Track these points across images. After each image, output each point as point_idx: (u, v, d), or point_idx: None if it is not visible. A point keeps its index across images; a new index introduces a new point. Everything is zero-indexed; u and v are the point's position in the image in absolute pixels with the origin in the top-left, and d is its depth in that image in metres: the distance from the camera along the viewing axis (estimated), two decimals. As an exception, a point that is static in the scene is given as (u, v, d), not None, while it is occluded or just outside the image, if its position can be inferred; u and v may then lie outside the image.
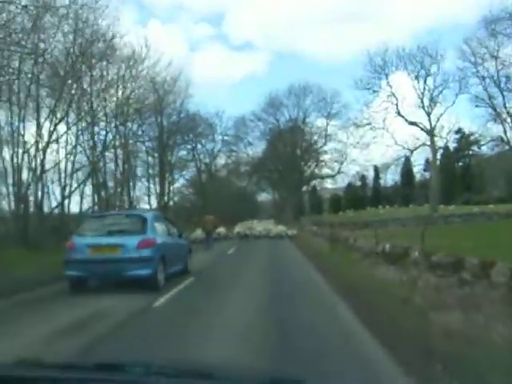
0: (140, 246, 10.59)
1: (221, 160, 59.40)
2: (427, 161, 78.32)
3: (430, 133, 46.23)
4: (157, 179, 38.65)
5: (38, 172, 20.66)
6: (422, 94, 46.09)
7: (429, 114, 46.25)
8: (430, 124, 46.17)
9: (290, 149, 62.63)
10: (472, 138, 69.13)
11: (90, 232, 11.39)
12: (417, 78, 45.85)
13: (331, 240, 24.09)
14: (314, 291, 10.52)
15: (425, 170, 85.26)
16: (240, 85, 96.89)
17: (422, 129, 46.41)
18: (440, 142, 47.38)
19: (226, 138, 56.25)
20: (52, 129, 21.76)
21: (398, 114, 46.97)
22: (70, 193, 24.71)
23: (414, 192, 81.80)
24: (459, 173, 74.47)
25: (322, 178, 65.72)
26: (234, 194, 63.40)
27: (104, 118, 27.21)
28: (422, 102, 46.15)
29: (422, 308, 7.12)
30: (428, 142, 46.77)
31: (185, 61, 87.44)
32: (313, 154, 63.46)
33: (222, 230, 38.85)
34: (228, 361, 5.30)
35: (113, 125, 27.26)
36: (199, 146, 53.00)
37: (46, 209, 22.88)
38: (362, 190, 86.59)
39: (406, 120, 47.06)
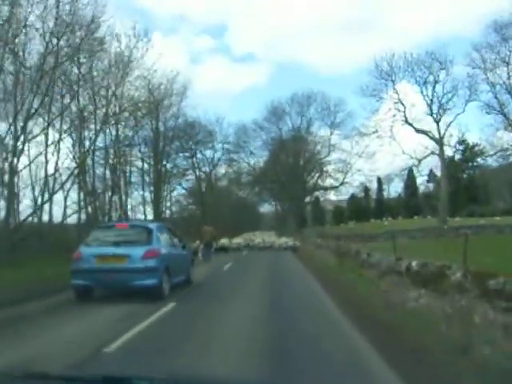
0: (145, 257, 10.67)
1: (221, 169, 56.62)
2: (431, 172, 77.47)
3: (439, 141, 43.65)
4: (152, 187, 35.82)
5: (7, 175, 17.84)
6: (431, 100, 43.61)
7: (438, 122, 43.73)
8: (439, 132, 43.67)
9: (292, 159, 60.09)
10: (477, 148, 67.69)
11: (96, 242, 11.41)
12: (425, 84, 43.42)
13: (338, 253, 21.45)
14: (326, 328, 7.67)
15: (428, 182, 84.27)
16: (241, 96, 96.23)
17: (431, 137, 43.82)
18: (449, 151, 44.67)
19: (226, 146, 53.45)
20: (22, 124, 18.84)
21: (406, 121, 44.42)
22: (42, 202, 21.95)
23: (418, 204, 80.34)
24: (464, 184, 71.68)
25: (326, 188, 63.12)
26: (234, 205, 60.89)
27: (92, 117, 24.52)
28: (431, 109, 43.68)
29: (492, 362, 4.46)
30: (436, 151, 44.11)
31: (186, 72, 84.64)
32: (316, 164, 60.79)
33: (224, 241, 36.52)
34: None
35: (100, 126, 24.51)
36: (199, 155, 50.12)
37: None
38: (366, 202, 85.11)
39: (414, 128, 44.50)
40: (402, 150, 45.34)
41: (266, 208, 76.04)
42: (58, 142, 22.70)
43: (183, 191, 48.74)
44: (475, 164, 73.81)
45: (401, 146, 45.70)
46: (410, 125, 44.42)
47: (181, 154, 43.94)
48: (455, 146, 47.55)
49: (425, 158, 45.22)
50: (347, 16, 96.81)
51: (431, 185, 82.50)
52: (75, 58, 21.67)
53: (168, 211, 44.11)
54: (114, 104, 26.20)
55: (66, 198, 24.53)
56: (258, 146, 60.51)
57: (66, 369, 5.00)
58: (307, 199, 65.07)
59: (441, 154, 44.27)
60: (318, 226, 65.11)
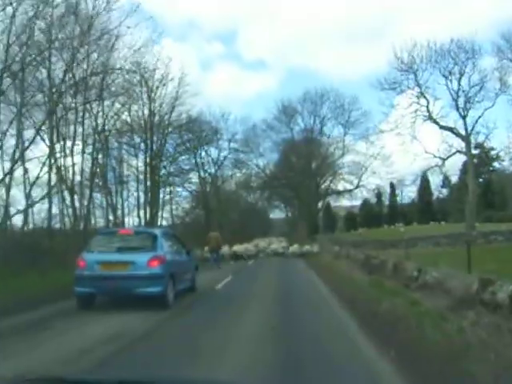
0: (150, 263, 10.26)
1: (227, 171, 50.90)
2: (446, 177, 74.17)
3: (466, 138, 38.34)
4: (143, 187, 30.63)
5: None
6: (457, 94, 38.31)
7: (464, 118, 38.43)
8: (466, 128, 38.37)
9: (304, 161, 54.82)
10: (493, 152, 64.12)
11: (100, 248, 10.93)
12: (450, 75, 38.02)
13: (368, 266, 16.30)
14: None
15: (442, 187, 78.87)
16: (251, 103, 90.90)
17: (457, 134, 38.53)
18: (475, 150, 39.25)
19: (232, 145, 47.66)
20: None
21: (429, 117, 39.12)
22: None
23: (433, 209, 76.44)
24: (480, 189, 68.78)
25: (339, 192, 57.86)
26: (243, 210, 55.86)
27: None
28: (457, 103, 38.38)
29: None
30: (462, 149, 38.82)
31: (196, 79, 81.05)
32: (329, 166, 55.63)
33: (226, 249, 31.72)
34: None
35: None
36: (202, 153, 44.34)
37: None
38: (378, 207, 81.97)
39: (438, 124, 39.21)
40: (424, 149, 40.01)
41: (276, 214, 71.45)
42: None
43: (186, 194, 43.31)
44: (491, 168, 70.45)
45: (422, 145, 40.45)
46: (434, 120, 39.15)
47: (182, 152, 37.95)
48: (485, 143, 42.16)
49: (449, 157, 39.95)
50: (359, 23, 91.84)
51: (445, 190, 79.10)
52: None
53: (168, 216, 38.92)
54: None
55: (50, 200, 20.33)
56: (267, 147, 55.43)
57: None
58: (320, 204, 59.78)
59: (468, 152, 38.97)
60: (329, 232, 60.33)
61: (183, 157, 38.84)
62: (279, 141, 56.41)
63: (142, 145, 30.59)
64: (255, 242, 40.53)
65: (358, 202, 73.25)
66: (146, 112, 29.91)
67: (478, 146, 57.08)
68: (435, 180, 69.07)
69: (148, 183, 30.49)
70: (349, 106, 53.27)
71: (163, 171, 34.55)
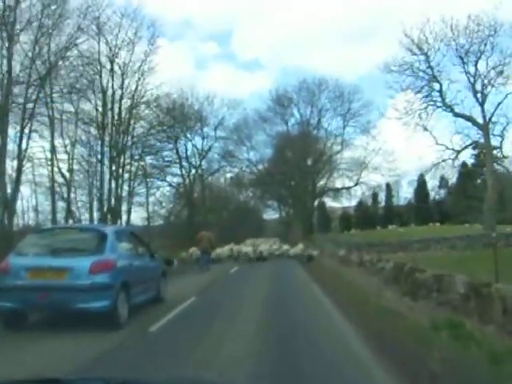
0: (94, 270, 7.80)
1: (215, 164, 43.85)
2: (443, 177, 70.44)
3: (485, 127, 32.27)
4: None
5: None
6: (474, 77, 32.17)
7: (482, 104, 32.33)
8: (484, 116, 32.25)
9: (300, 156, 48.63)
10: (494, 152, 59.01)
11: (31, 250, 8.39)
12: (466, 56, 31.90)
13: (402, 283, 10.28)
14: None
15: (440, 187, 74.83)
16: (246, 103, 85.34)
17: (473, 122, 32.43)
18: (493, 141, 33.08)
19: (220, 133, 40.73)
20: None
21: (443, 102, 33.02)
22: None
23: (430, 210, 71.69)
24: (472, 194, 65.24)
25: (337, 190, 51.69)
26: (234, 209, 49.65)
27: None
28: (474, 87, 32.25)
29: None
30: (479, 140, 32.80)
31: (191, 78, 76.27)
32: (327, 162, 49.58)
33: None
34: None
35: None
36: (188, 146, 37.34)
37: None
38: (374, 208, 77.29)
39: (452, 110, 33.05)
40: (435, 141, 33.91)
41: (270, 214, 65.69)
42: None
43: (168, 190, 36.57)
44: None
45: (433, 135, 34.43)
46: (448, 106, 32.99)
47: (154, 134, 30.79)
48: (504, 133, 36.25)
49: (464, 148, 33.94)
50: (355, 23, 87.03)
51: (443, 191, 75.24)
52: None
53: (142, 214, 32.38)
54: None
55: None
56: (260, 141, 49.28)
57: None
58: (316, 203, 53.65)
59: (487, 143, 32.89)
60: (323, 233, 55.34)
61: (159, 143, 31.98)
62: (273, 134, 50.24)
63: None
64: (247, 242, 34.91)
65: (356, 201, 68.34)
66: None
67: (476, 146, 52.27)
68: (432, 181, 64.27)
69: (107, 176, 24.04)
70: (349, 96, 47.40)
71: (138, 163, 28.10)
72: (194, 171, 38.48)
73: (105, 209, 23.50)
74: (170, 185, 36.34)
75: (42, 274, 7.81)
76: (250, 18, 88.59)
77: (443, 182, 74.73)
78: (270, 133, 50.22)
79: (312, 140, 49.67)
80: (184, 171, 37.09)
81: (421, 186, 70.39)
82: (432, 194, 75.18)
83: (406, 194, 75.77)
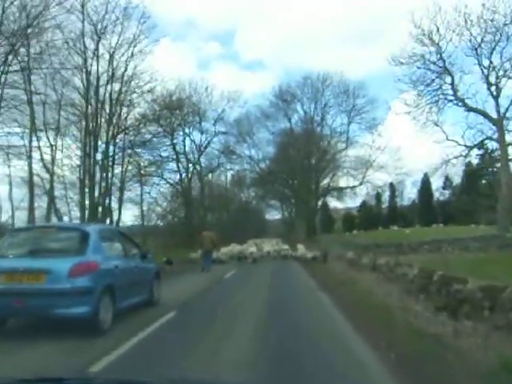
0: (74, 273, 7.05)
1: (215, 161, 41.09)
2: (447, 178, 66.26)
3: (499, 122, 29.93)
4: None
5: None
6: (488, 69, 29.86)
7: (496, 98, 30.03)
8: (498, 111, 29.96)
9: (303, 155, 46.37)
10: (496, 154, 57.21)
11: (6, 251, 7.72)
12: (480, 47, 29.59)
13: (442, 299, 7.86)
14: None
15: (444, 188, 73.67)
16: (248, 103, 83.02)
17: (487, 117, 30.11)
18: (508, 137, 30.75)
19: (219, 128, 38.14)
20: None
21: (455, 96, 30.69)
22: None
23: (434, 211, 69.35)
24: (483, 192, 63.26)
25: (341, 189, 49.34)
26: (235, 210, 47.47)
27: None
28: (487, 80, 29.93)
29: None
30: (492, 135, 30.47)
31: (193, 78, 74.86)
32: (331, 160, 47.25)
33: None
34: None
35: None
36: (187, 141, 34.79)
37: None
38: (377, 209, 75.77)
39: (465, 104, 30.70)
40: (445, 136, 31.59)
41: (272, 214, 63.52)
42: None
43: (166, 188, 34.13)
44: (495, 170, 63.77)
45: (443, 130, 31.99)
46: (461, 100, 30.66)
47: (145, 123, 28.17)
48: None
49: (476, 145, 31.59)
50: (358, 24, 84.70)
51: (447, 192, 73.68)
52: None
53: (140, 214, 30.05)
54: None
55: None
56: (262, 138, 46.93)
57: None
58: (320, 202, 51.33)
59: (501, 139, 30.53)
60: (325, 233, 53.04)
61: (155, 138, 29.53)
62: (276, 132, 47.91)
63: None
64: (248, 243, 32.86)
65: (359, 201, 66.91)
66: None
67: (481, 146, 50.25)
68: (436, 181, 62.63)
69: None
70: (354, 92, 45.00)
71: (133, 159, 25.81)
72: (192, 168, 35.96)
73: (88, 206, 21.18)
74: (167, 182, 34.00)
75: (18, 277, 7.16)
76: (253, 18, 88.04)
77: (447, 182, 73.29)
78: (272, 130, 48.02)
79: (316, 138, 47.41)
80: (182, 167, 34.70)
81: (425, 186, 68.43)
82: (436, 195, 73.67)
83: (409, 194, 73.83)
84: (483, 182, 65.76)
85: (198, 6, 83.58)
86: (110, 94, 22.83)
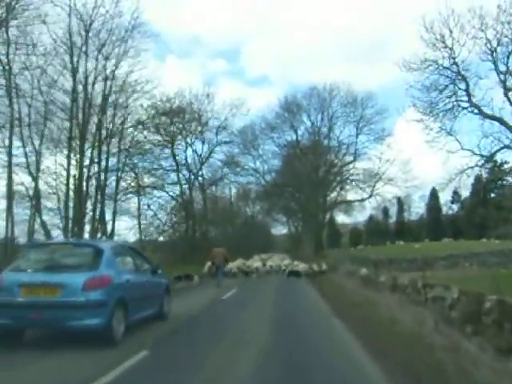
0: (88, 287, 7.33)
1: (218, 174, 38.74)
2: (455, 192, 63.31)
3: (520, 130, 27.62)
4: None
5: None
6: (504, 74, 27.67)
7: (515, 103, 27.73)
8: (517, 118, 27.68)
9: (310, 167, 44.21)
10: (506, 166, 55.52)
11: (26, 266, 8.01)
12: (496, 51, 27.44)
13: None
14: None
15: (452, 202, 70.88)
16: (254, 119, 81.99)
17: (504, 124, 27.83)
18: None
19: (221, 138, 35.79)
20: None
21: (470, 103, 28.50)
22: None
23: (442, 225, 66.86)
24: (493, 204, 58.24)
25: (350, 202, 47.05)
26: (240, 224, 45.25)
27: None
28: (505, 85, 27.72)
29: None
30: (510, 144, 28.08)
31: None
32: (338, 173, 45.04)
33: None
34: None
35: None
36: (182, 150, 32.46)
37: None
38: (384, 224, 72.88)
39: (480, 111, 28.45)
40: (460, 145, 29.25)
41: (278, 229, 61.31)
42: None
43: (163, 201, 31.83)
44: (504, 183, 61.99)
45: (457, 139, 29.48)
46: (476, 107, 28.44)
47: (141, 130, 25.96)
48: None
49: (495, 153, 29.18)
50: (363, 38, 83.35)
51: (455, 206, 71.02)
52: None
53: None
54: None
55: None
56: (268, 150, 44.87)
57: None
58: (327, 217, 49.03)
59: (521, 147, 28.19)
60: (332, 248, 51.47)
61: (154, 147, 27.45)
62: (281, 144, 45.77)
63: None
64: (254, 258, 31.93)
65: (368, 214, 65.42)
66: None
67: (489, 159, 48.01)
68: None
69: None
70: (362, 102, 42.71)
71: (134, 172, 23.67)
72: (193, 179, 33.57)
73: (71, 217, 19.02)
74: (168, 194, 31.85)
75: (36, 290, 7.46)
76: (258, 34, 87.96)
77: (456, 196, 71.07)
78: (278, 142, 45.88)
79: (323, 150, 45.27)
80: (183, 179, 32.48)
81: (433, 200, 66.37)
82: (444, 209, 72.61)
83: (417, 208, 71.04)
84: (492, 195, 63.81)
85: (203, 23, 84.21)
86: (104, 93, 20.88)
